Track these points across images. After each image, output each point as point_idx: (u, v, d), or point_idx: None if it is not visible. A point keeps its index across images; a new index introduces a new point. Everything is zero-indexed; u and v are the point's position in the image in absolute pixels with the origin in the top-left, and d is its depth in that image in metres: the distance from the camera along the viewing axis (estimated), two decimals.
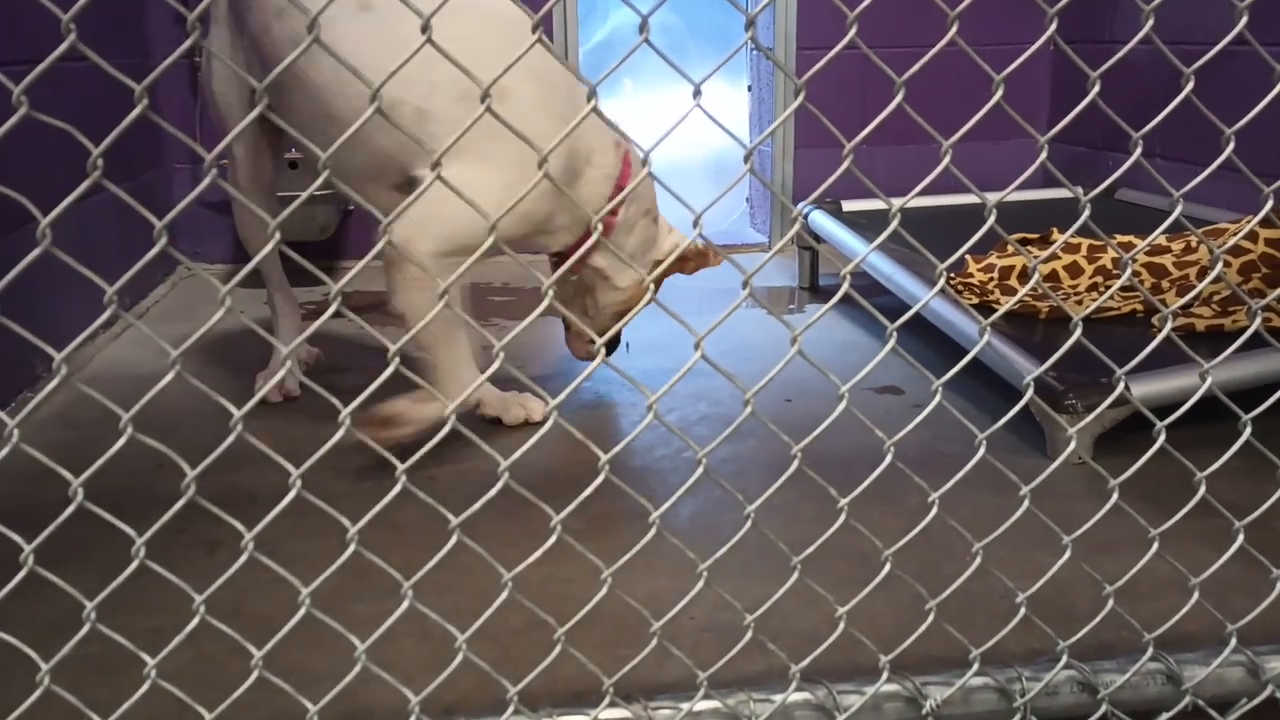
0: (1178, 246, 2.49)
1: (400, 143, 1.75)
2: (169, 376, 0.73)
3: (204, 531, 1.59)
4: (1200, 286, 0.99)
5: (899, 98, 0.83)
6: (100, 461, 0.78)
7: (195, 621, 0.85)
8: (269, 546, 0.86)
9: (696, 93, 0.84)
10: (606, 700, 1.00)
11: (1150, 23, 0.86)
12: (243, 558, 0.84)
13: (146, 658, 0.88)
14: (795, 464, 0.94)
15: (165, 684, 0.89)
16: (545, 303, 0.84)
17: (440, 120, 1.71)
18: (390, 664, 1.01)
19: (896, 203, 0.89)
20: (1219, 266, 0.99)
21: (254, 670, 0.89)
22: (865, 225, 2.91)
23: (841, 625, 1.03)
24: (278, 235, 0.74)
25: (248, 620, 1.35)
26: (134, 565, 0.82)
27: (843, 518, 0.97)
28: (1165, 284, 2.39)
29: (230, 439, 0.79)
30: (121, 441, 0.77)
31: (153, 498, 1.67)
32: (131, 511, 0.82)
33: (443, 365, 1.82)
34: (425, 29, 0.71)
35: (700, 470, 0.93)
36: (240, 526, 0.84)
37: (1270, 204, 0.96)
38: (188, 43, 0.68)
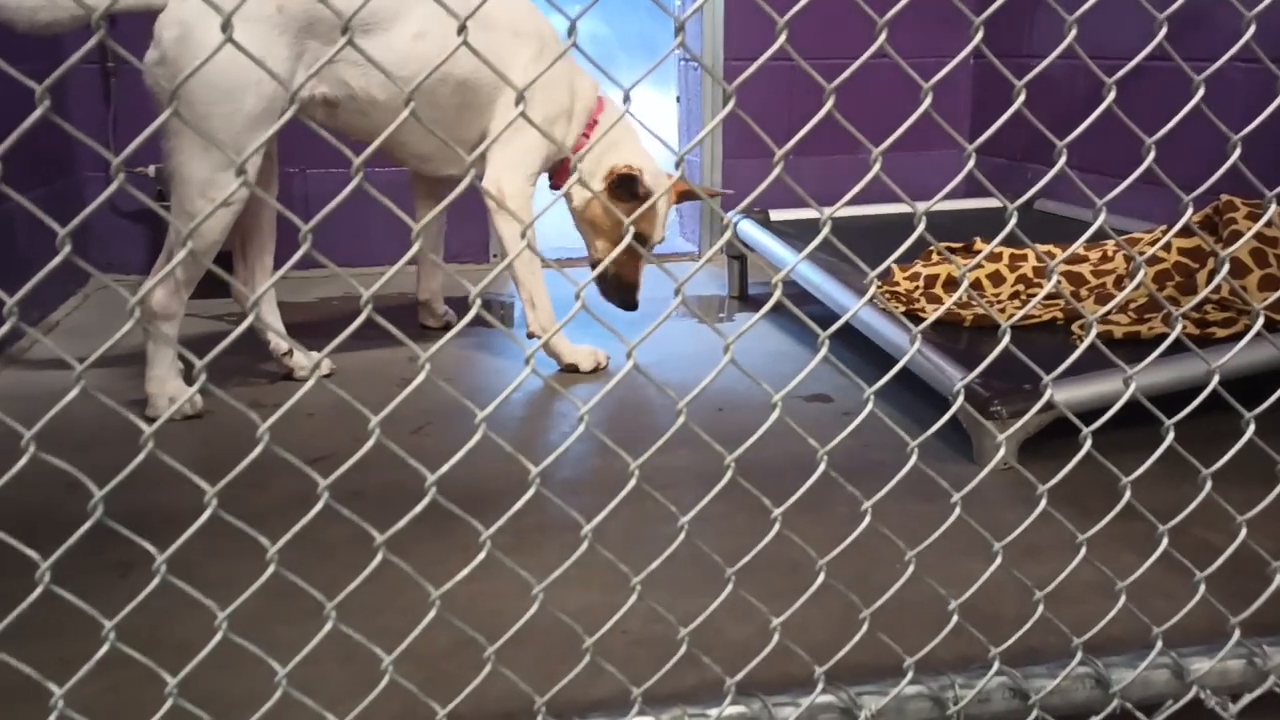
0: (1095, 255, 2.55)
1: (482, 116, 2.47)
2: (74, 392, 0.70)
3: (117, 554, 1.53)
4: (1124, 294, 1.01)
5: (829, 104, 0.83)
6: (0, 482, 0.74)
7: (105, 648, 0.82)
8: (186, 568, 0.83)
9: (626, 98, 0.83)
10: (539, 719, 0.98)
11: (1074, 33, 0.87)
12: (155, 580, 0.81)
13: (53, 687, 0.84)
14: (728, 474, 0.94)
15: (74, 715, 0.85)
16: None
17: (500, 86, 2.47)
18: (313, 688, 0.97)
19: (827, 211, 0.89)
20: (1140, 274, 1.01)
21: (168, 699, 0.85)
22: (793, 234, 2.93)
23: (775, 636, 1.02)
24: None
25: (163, 646, 1.30)
26: (38, 591, 0.78)
27: (776, 528, 0.96)
28: (1084, 292, 2.45)
29: (140, 456, 0.76)
30: (23, 461, 0.73)
31: (63, 519, 1.61)
32: (40, 534, 0.78)
33: (535, 293, 2.49)
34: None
35: (632, 482, 0.91)
36: (152, 548, 0.80)
37: (1189, 213, 0.98)
38: (92, 41, 0.65)
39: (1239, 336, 2.04)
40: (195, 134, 2.04)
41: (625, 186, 2.51)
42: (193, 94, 2.03)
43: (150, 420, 2.12)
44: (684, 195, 2.81)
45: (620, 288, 2.62)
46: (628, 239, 0.88)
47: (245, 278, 2.40)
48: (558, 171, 2.64)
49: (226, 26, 0.68)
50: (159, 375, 2.17)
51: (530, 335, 2.52)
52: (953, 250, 2.73)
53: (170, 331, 2.15)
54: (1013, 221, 0.95)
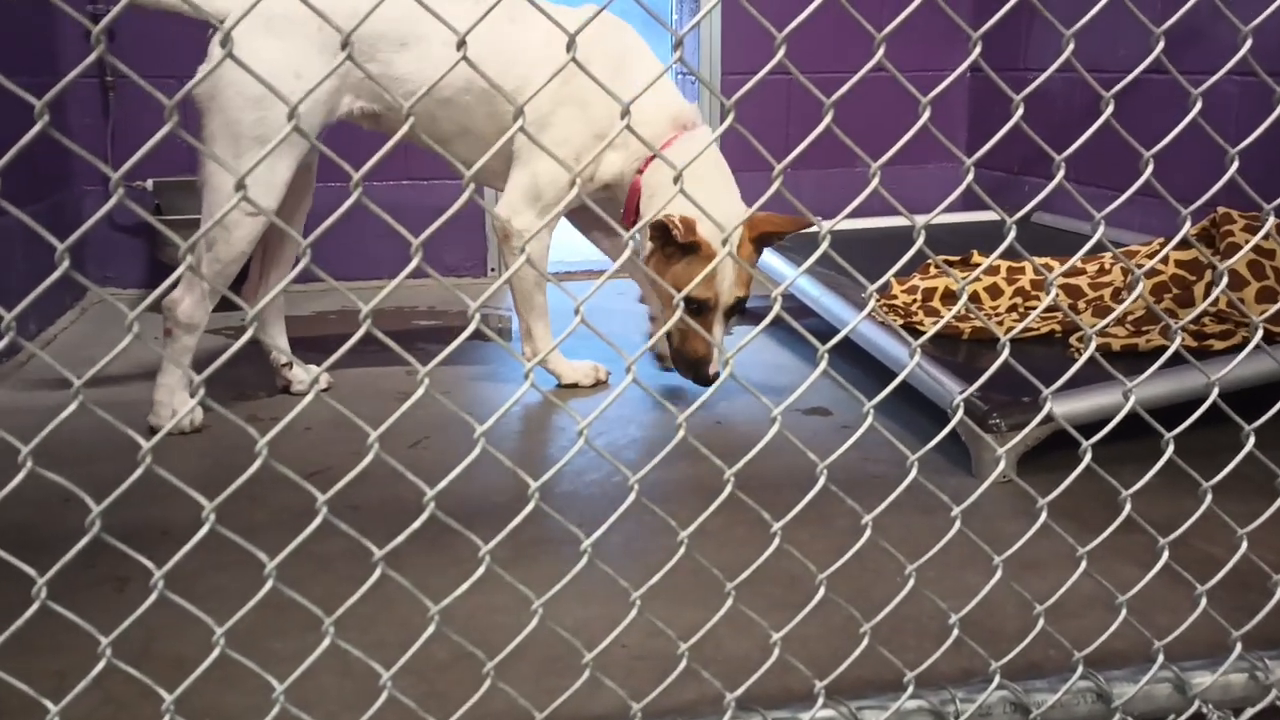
0: (1092, 268, 2.55)
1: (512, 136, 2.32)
2: (71, 407, 0.69)
3: (113, 568, 1.53)
4: (1122, 307, 1.01)
5: (828, 118, 0.83)
6: None
7: (102, 664, 0.81)
8: (182, 583, 0.82)
9: (625, 113, 0.83)
10: None
11: (1071, 47, 0.88)
12: (153, 595, 0.80)
13: (49, 704, 0.83)
14: (728, 488, 0.93)
15: None
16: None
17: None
18: (311, 704, 0.97)
19: (826, 225, 0.89)
20: (1140, 286, 1.01)
21: (165, 714, 0.85)
22: (790, 248, 2.93)
23: (775, 651, 1.02)
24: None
25: (159, 661, 1.29)
26: (34, 607, 0.78)
27: (776, 542, 0.96)
28: (1081, 304, 2.45)
29: (139, 471, 0.76)
30: (21, 475, 0.73)
31: (60, 533, 1.60)
32: (36, 548, 0.78)
33: (534, 323, 2.41)
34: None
35: (632, 496, 0.91)
36: (149, 563, 0.80)
37: (1187, 226, 0.98)
38: (92, 56, 0.65)
39: (1237, 349, 2.04)
40: (226, 142, 2.07)
41: (660, 235, 2.17)
42: (226, 101, 2.07)
43: (153, 427, 2.13)
44: (763, 240, 2.31)
45: (683, 360, 2.26)
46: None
47: (259, 287, 2.40)
48: (625, 211, 2.36)
49: (226, 41, 0.68)
50: (169, 384, 2.17)
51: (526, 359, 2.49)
52: (951, 263, 2.73)
53: (190, 342, 2.15)
54: (1011, 234, 0.95)
